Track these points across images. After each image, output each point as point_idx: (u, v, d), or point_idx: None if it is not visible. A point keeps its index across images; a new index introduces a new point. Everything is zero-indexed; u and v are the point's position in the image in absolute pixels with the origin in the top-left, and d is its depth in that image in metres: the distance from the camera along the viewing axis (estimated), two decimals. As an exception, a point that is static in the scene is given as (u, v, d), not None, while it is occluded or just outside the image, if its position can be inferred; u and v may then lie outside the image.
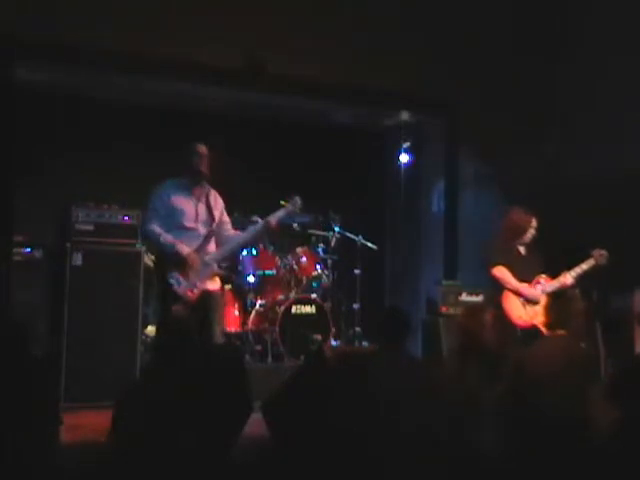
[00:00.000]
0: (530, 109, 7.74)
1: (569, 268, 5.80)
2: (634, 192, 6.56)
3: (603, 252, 5.75)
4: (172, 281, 5.15)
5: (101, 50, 6.38)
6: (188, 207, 5.30)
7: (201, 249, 5.24)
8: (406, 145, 8.53)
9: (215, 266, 5.32)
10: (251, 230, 5.62)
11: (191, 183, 5.35)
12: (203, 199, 5.35)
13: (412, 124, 8.49)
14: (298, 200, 5.54)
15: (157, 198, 5.32)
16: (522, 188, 7.20)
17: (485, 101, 7.80)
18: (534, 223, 5.89)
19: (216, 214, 5.37)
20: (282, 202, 5.66)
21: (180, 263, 5.14)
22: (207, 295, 5.22)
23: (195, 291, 5.15)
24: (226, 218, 5.53)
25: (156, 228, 5.25)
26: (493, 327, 4.19)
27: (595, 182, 6.85)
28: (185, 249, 5.17)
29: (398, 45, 7.41)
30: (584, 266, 5.75)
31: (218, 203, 5.47)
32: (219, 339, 5.26)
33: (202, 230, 5.30)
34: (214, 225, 5.32)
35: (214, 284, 5.32)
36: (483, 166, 7.99)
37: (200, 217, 5.32)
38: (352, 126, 8.61)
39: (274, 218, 5.47)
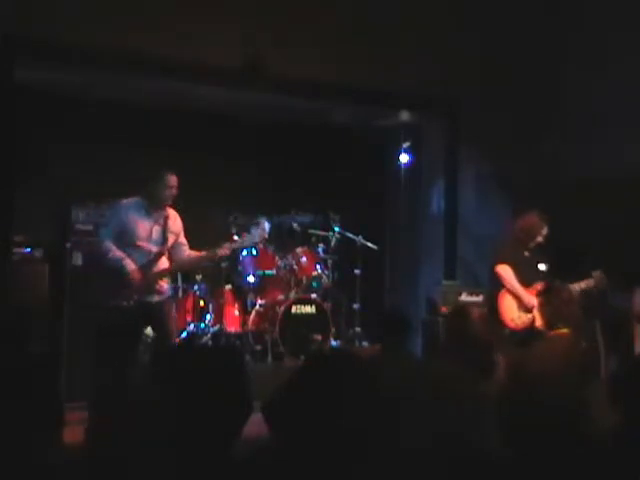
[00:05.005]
0: (530, 109, 7.74)
1: (567, 270, 5.84)
2: (634, 192, 6.56)
3: (604, 276, 5.80)
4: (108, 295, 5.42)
5: (101, 50, 6.38)
6: (142, 227, 5.50)
7: (149, 265, 5.46)
8: (406, 145, 8.52)
9: (160, 281, 5.54)
10: (202, 255, 5.77)
11: (150, 206, 5.53)
12: (161, 221, 5.53)
13: (412, 124, 8.49)
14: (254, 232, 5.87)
15: (114, 215, 5.55)
16: (522, 188, 7.20)
17: (485, 101, 7.80)
18: (545, 231, 5.96)
19: (170, 236, 5.56)
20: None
21: (121, 278, 5.37)
22: (150, 306, 5.48)
23: (131, 302, 5.40)
24: (183, 240, 5.71)
25: (108, 244, 5.44)
26: (479, 325, 4.17)
27: (595, 182, 6.85)
28: (131, 265, 5.41)
29: (398, 45, 7.41)
30: (582, 285, 5.81)
31: (176, 226, 5.65)
32: (172, 343, 5.58)
33: (154, 249, 5.51)
34: (166, 246, 5.51)
35: (159, 296, 5.55)
36: (483, 166, 7.98)
37: (153, 238, 5.51)
38: (352, 126, 8.61)
39: (226, 250, 5.70)
